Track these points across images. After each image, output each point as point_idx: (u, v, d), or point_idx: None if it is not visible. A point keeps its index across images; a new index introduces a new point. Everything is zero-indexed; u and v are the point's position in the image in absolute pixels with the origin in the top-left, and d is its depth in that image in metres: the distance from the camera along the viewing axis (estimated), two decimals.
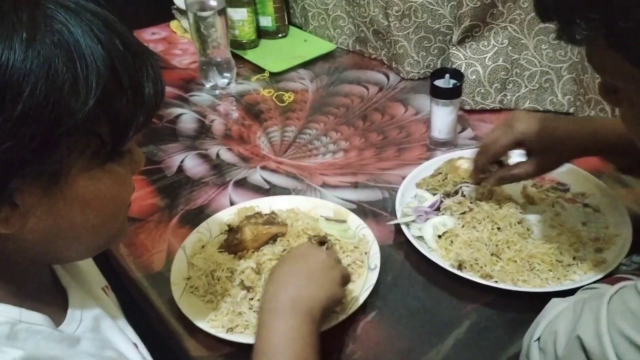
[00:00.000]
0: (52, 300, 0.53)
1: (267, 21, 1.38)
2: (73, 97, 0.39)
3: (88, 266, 0.63)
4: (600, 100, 0.97)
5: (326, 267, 0.64)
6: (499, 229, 0.79)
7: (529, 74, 1.06)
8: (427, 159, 0.96)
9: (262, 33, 1.39)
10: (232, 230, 0.80)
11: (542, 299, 0.68)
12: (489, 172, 0.81)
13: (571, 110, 1.06)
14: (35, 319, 0.46)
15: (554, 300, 0.61)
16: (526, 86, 1.07)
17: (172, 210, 0.91)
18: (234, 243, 0.78)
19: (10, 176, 0.40)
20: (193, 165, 1.02)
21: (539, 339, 0.57)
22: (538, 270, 0.75)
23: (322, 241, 0.77)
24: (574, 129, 0.75)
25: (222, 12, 1.17)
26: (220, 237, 0.82)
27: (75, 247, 0.49)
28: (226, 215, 0.86)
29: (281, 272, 0.63)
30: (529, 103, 1.08)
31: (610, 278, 0.67)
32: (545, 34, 1.02)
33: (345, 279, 0.67)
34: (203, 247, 0.80)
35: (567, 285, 0.72)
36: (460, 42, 1.07)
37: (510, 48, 1.06)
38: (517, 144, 0.77)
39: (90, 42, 0.40)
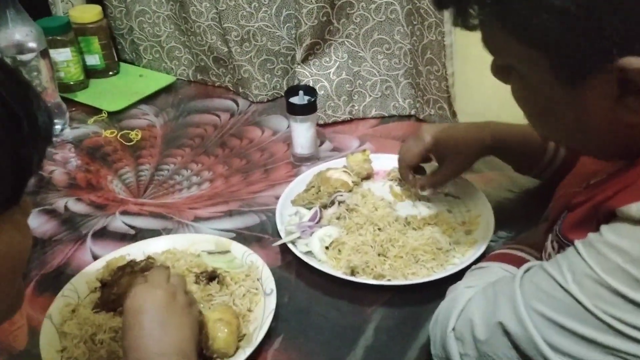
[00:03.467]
0: None
1: (94, 59, 1.28)
2: None
3: None
4: (438, 99, 1.06)
5: (173, 307, 0.60)
6: (380, 229, 0.82)
7: (371, 84, 1.13)
8: (295, 175, 0.96)
9: (90, 73, 1.29)
10: (106, 286, 0.71)
11: (433, 287, 0.73)
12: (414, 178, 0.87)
13: (412, 112, 1.14)
14: None
15: (459, 287, 0.64)
16: (370, 95, 1.14)
17: (24, 279, 0.78)
18: (111, 299, 0.69)
19: None
20: (39, 224, 0.89)
21: (454, 329, 0.58)
22: (423, 260, 0.78)
23: (212, 276, 0.73)
24: (473, 133, 0.83)
25: (44, 53, 1.06)
26: (92, 296, 0.73)
27: None
28: (93, 271, 0.76)
29: (135, 336, 0.57)
30: (375, 110, 1.15)
31: (489, 255, 0.72)
32: (380, 45, 1.10)
33: (194, 300, 0.65)
34: (74, 311, 0.70)
35: (450, 270, 0.76)
36: (304, 60, 1.10)
37: (350, 61, 1.11)
38: (427, 152, 0.85)
39: None
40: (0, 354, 0.68)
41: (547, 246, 0.60)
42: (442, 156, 0.85)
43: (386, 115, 1.15)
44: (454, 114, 1.05)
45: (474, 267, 0.70)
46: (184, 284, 0.64)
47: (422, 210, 0.88)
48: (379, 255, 0.79)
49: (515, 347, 0.52)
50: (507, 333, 0.52)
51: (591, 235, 0.49)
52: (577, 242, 0.49)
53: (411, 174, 0.88)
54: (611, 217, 0.47)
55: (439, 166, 0.86)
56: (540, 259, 0.63)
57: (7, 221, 0.40)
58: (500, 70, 0.54)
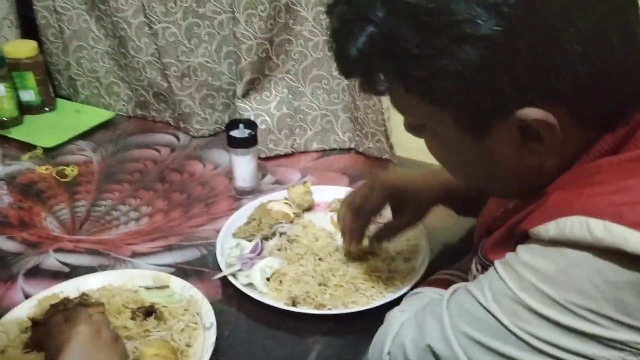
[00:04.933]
0: None
1: (29, 95, 1.25)
2: None
3: None
4: (376, 132, 1.10)
5: (98, 343, 0.60)
6: (320, 259, 0.83)
7: (311, 118, 1.16)
8: (236, 209, 0.96)
9: (25, 109, 1.25)
10: (37, 325, 0.68)
11: (374, 315, 0.74)
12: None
13: (352, 145, 1.17)
14: None
15: (393, 312, 0.65)
16: (311, 129, 1.16)
17: None
18: (42, 338, 0.66)
19: None
20: None
21: (389, 353, 0.59)
22: (363, 289, 0.79)
23: (149, 311, 0.71)
24: (429, 180, 0.79)
25: None
26: (22, 336, 0.70)
27: None
28: (24, 310, 0.73)
29: None
30: (316, 144, 1.17)
31: (425, 281, 0.74)
32: (318, 81, 1.13)
33: (119, 336, 0.65)
34: (2, 352, 0.67)
35: (390, 297, 0.78)
36: (245, 95, 1.11)
37: (290, 96, 1.14)
38: (387, 199, 0.79)
39: None
40: None
41: (472, 269, 0.63)
42: (401, 204, 0.81)
43: (327, 148, 1.18)
44: (391, 147, 1.09)
45: (410, 293, 0.72)
46: (107, 321, 0.64)
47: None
48: (319, 285, 0.79)
49: None
50: (435, 355, 0.53)
51: (508, 255, 0.51)
52: (496, 262, 0.51)
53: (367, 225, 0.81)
54: (525, 237, 0.50)
55: (395, 215, 0.83)
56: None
57: None
58: (412, 128, 0.56)
